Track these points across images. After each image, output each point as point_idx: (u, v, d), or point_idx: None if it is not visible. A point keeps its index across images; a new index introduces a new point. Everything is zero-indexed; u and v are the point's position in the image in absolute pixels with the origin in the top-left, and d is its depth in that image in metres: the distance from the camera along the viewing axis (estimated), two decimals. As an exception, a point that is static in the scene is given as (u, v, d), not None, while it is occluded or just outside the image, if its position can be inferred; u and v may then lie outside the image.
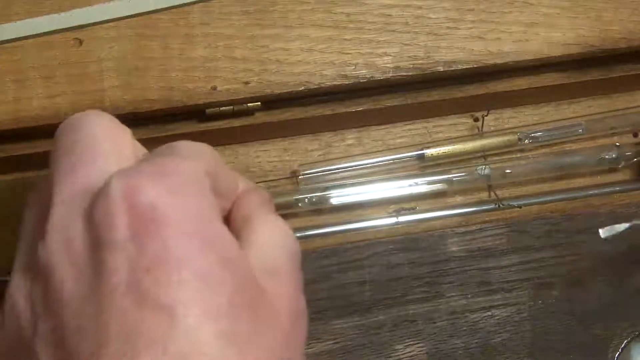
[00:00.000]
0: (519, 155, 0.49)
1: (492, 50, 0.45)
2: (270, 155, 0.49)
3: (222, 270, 0.25)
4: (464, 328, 0.45)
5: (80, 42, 0.44)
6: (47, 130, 0.39)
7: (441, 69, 0.45)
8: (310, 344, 0.44)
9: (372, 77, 0.45)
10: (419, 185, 0.47)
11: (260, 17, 0.45)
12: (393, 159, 0.47)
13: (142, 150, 0.30)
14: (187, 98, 0.44)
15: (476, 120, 0.49)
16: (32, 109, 0.43)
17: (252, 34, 0.45)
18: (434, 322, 0.45)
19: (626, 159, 0.48)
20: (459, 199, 0.49)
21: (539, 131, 0.48)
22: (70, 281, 0.24)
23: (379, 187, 0.47)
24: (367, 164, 0.47)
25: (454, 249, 0.45)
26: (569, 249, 0.46)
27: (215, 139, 0.47)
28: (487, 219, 0.46)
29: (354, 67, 0.45)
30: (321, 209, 0.47)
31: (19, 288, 0.25)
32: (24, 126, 0.43)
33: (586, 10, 0.46)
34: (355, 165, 0.47)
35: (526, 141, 0.48)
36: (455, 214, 0.47)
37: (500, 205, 0.47)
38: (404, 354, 0.44)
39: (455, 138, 0.48)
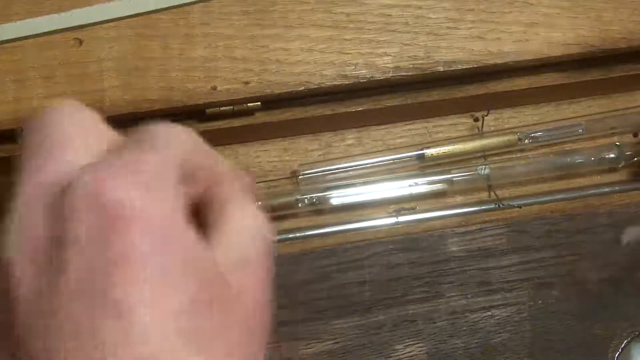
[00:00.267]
0: (519, 155, 0.49)
1: (492, 50, 0.45)
2: (270, 155, 0.49)
3: (185, 269, 0.25)
4: (464, 328, 0.45)
5: (80, 42, 0.44)
6: (47, 130, 0.39)
7: (441, 69, 0.45)
8: (310, 344, 0.44)
9: (372, 77, 0.45)
10: (419, 185, 0.47)
11: (260, 17, 0.45)
12: (393, 159, 0.47)
13: (113, 136, 0.29)
14: (187, 98, 0.44)
15: (476, 120, 0.49)
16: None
17: (252, 34, 0.45)
18: (434, 322, 0.45)
19: (626, 159, 0.48)
20: (459, 199, 0.49)
21: (539, 131, 0.48)
22: (29, 278, 0.24)
23: (379, 187, 0.47)
24: (367, 164, 0.47)
25: (454, 249, 0.45)
26: (569, 249, 0.46)
27: (215, 139, 0.47)
28: (487, 219, 0.46)
29: (354, 67, 0.45)
30: (321, 209, 0.47)
31: None
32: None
33: (586, 10, 0.46)
34: (355, 165, 0.47)
35: (526, 141, 0.48)
36: (455, 214, 0.47)
37: (500, 205, 0.47)
38: (404, 354, 0.44)
39: (455, 138, 0.48)
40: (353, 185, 0.47)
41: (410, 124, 0.49)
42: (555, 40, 0.46)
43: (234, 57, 0.44)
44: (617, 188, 0.48)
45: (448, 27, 0.45)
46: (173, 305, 0.24)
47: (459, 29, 0.46)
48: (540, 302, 0.45)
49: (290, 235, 0.46)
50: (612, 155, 0.48)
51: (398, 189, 0.47)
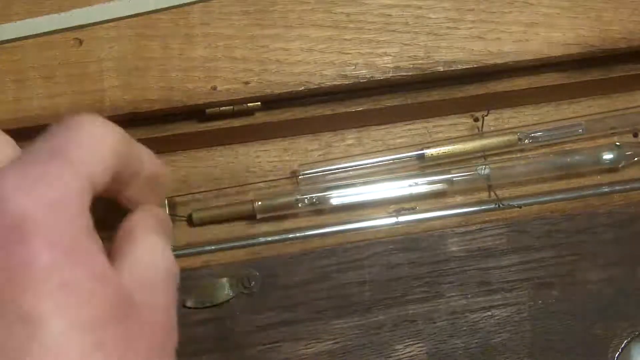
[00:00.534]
0: (519, 155, 0.49)
1: (492, 50, 0.45)
2: (270, 155, 0.49)
3: (91, 284, 0.24)
4: (464, 328, 0.45)
5: (80, 42, 0.44)
6: (47, 130, 0.39)
7: (441, 69, 0.45)
8: (310, 343, 0.44)
9: (372, 77, 0.45)
10: (419, 185, 0.47)
11: (260, 17, 0.45)
12: (393, 159, 0.47)
13: (13, 147, 0.29)
14: (187, 98, 0.44)
15: (476, 120, 0.49)
16: (32, 109, 0.43)
17: (252, 34, 0.45)
18: (434, 322, 0.45)
19: (626, 159, 0.48)
20: (459, 199, 0.49)
21: (539, 131, 0.48)
22: None
23: (379, 187, 0.47)
24: (367, 164, 0.47)
25: (454, 249, 0.45)
26: (569, 249, 0.46)
27: (215, 139, 0.47)
28: (487, 219, 0.46)
29: (354, 67, 0.45)
30: (321, 209, 0.48)
31: None
32: (24, 126, 0.43)
33: (586, 10, 0.46)
34: (355, 165, 0.47)
35: (526, 141, 0.48)
36: (455, 214, 0.47)
37: (500, 205, 0.47)
38: (404, 354, 0.44)
39: (455, 138, 0.48)
40: (353, 185, 0.47)
41: (410, 124, 0.49)
42: (555, 40, 0.46)
43: (234, 57, 0.44)
44: (617, 188, 0.48)
45: (448, 27, 0.46)
46: (82, 318, 0.24)
47: (459, 29, 0.46)
48: (540, 302, 0.45)
49: (290, 235, 0.46)
50: (612, 155, 0.48)
51: (398, 189, 0.47)
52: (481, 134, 0.48)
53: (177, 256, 0.45)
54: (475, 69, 0.46)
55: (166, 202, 0.46)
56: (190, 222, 0.47)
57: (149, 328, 0.27)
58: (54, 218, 0.24)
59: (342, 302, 0.44)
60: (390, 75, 0.45)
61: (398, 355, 0.44)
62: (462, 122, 0.50)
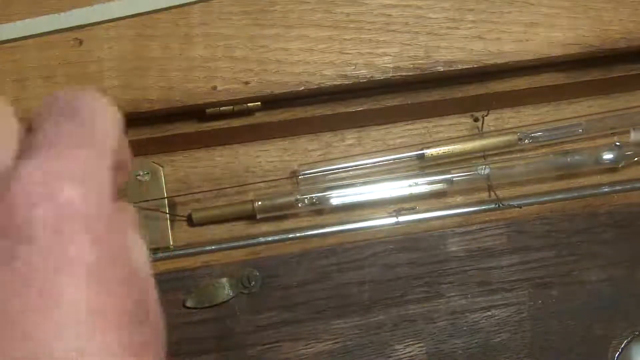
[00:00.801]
0: (519, 155, 0.49)
1: (492, 50, 0.45)
2: (270, 155, 0.49)
3: (122, 286, 0.25)
4: (464, 328, 0.45)
5: (80, 42, 0.44)
6: (47, 130, 0.39)
7: (441, 69, 0.45)
8: (310, 343, 0.44)
9: (372, 77, 0.45)
10: (419, 185, 0.47)
11: (260, 17, 0.45)
12: (393, 159, 0.47)
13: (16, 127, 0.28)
14: (187, 98, 0.44)
15: (476, 120, 0.49)
16: (32, 109, 0.43)
17: (252, 34, 0.45)
18: (434, 322, 0.45)
19: (626, 159, 0.48)
20: (459, 199, 0.49)
21: (539, 131, 0.48)
22: None
23: (379, 187, 0.47)
24: (367, 164, 0.47)
25: (454, 249, 0.45)
26: (568, 249, 0.46)
27: (215, 139, 0.47)
28: (487, 219, 0.46)
29: (354, 67, 0.45)
30: (321, 209, 0.48)
31: None
32: (24, 126, 0.43)
33: (586, 10, 0.46)
34: (355, 165, 0.47)
35: (526, 141, 0.48)
36: (455, 214, 0.47)
37: (500, 205, 0.47)
38: (404, 354, 0.44)
39: (455, 138, 0.48)
40: (353, 185, 0.47)
41: (410, 124, 0.49)
42: (555, 40, 0.46)
43: (234, 57, 0.44)
44: (617, 188, 0.48)
45: (448, 27, 0.45)
46: (114, 319, 0.24)
47: (459, 29, 0.46)
48: (540, 302, 0.45)
49: (290, 235, 0.46)
50: (612, 155, 0.48)
51: (398, 189, 0.47)
52: (481, 134, 0.48)
53: (177, 256, 0.45)
54: (475, 69, 0.46)
55: (166, 202, 0.46)
56: (190, 222, 0.47)
57: (157, 333, 0.27)
58: (96, 212, 0.24)
59: (342, 302, 0.44)
60: (390, 75, 0.45)
61: (398, 355, 0.44)
62: (462, 122, 0.50)
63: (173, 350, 0.43)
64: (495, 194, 0.48)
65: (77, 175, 0.24)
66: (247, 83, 0.44)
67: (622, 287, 0.46)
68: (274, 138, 0.49)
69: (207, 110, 0.45)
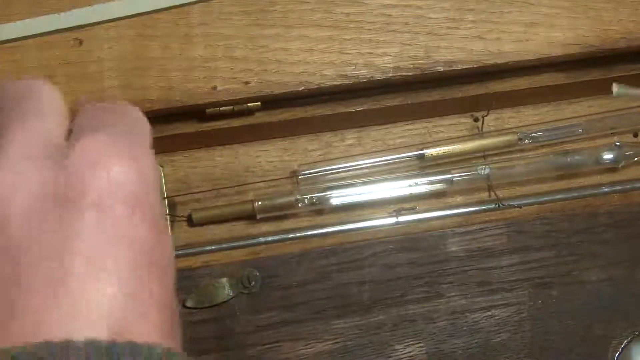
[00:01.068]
0: (519, 155, 0.49)
1: (492, 50, 0.45)
2: (270, 155, 0.49)
3: (168, 266, 0.26)
4: (464, 328, 0.45)
5: (80, 42, 0.44)
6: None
7: (441, 69, 0.45)
8: (310, 343, 0.44)
9: (372, 77, 0.45)
10: (419, 185, 0.47)
11: (260, 17, 0.45)
12: (393, 159, 0.47)
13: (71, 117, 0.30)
14: (187, 98, 0.44)
15: (476, 120, 0.49)
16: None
17: (252, 34, 0.45)
18: (434, 322, 0.45)
19: (626, 159, 0.48)
20: (459, 199, 0.49)
21: (539, 131, 0.48)
22: (19, 217, 0.24)
23: (379, 187, 0.47)
24: (367, 164, 0.47)
25: (454, 249, 0.45)
26: (568, 249, 0.46)
27: (215, 139, 0.47)
28: (487, 219, 0.46)
29: (354, 67, 0.45)
30: (321, 209, 0.47)
31: None
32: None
33: (586, 10, 0.46)
34: (355, 165, 0.47)
35: (526, 141, 0.48)
36: (455, 214, 0.47)
37: (500, 205, 0.47)
38: (404, 354, 0.44)
39: (455, 138, 0.48)
40: (353, 185, 0.47)
41: (410, 124, 0.49)
42: (555, 40, 0.46)
43: (234, 57, 0.44)
44: (617, 188, 0.48)
45: (448, 27, 0.45)
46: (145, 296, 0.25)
47: (459, 29, 0.46)
48: (540, 302, 0.45)
49: (290, 235, 0.46)
50: (612, 155, 0.48)
51: (398, 189, 0.47)
52: (481, 134, 0.48)
53: (177, 256, 0.45)
54: (475, 69, 0.46)
55: (166, 202, 0.46)
56: (190, 222, 0.47)
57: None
58: (148, 193, 0.26)
59: (342, 302, 0.44)
60: (390, 75, 0.45)
61: (398, 355, 0.44)
62: (462, 122, 0.50)
63: (173, 350, 0.43)
64: (495, 194, 0.48)
65: (129, 155, 0.26)
66: (247, 83, 0.44)
67: (622, 287, 0.46)
68: (274, 138, 0.49)
69: (207, 110, 0.45)
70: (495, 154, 0.48)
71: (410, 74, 0.45)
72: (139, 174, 0.26)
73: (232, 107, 0.45)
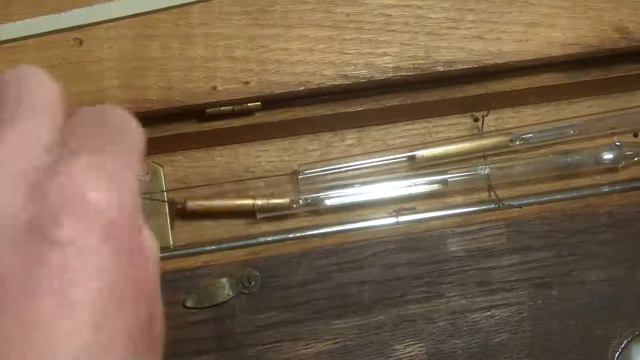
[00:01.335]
0: (518, 155, 0.49)
1: (492, 50, 0.45)
2: (270, 155, 0.49)
3: (138, 299, 0.25)
4: (464, 328, 0.45)
5: (80, 42, 0.44)
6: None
7: (441, 69, 0.45)
8: (310, 343, 0.44)
9: (372, 77, 0.45)
10: (419, 186, 0.47)
11: (260, 17, 0.45)
12: (385, 160, 0.47)
13: (68, 112, 0.28)
14: (187, 98, 0.44)
15: (476, 120, 0.49)
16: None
17: (252, 34, 0.45)
18: (434, 322, 0.45)
19: (626, 159, 0.48)
20: (459, 199, 0.49)
21: (531, 132, 0.48)
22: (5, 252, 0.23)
23: (378, 187, 0.47)
24: (361, 164, 0.47)
25: (454, 249, 0.45)
26: (569, 249, 0.46)
27: (215, 139, 0.47)
28: (487, 219, 0.46)
29: (354, 67, 0.45)
30: (320, 209, 0.47)
31: None
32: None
33: (586, 10, 0.46)
34: (355, 165, 0.47)
35: (517, 142, 0.48)
36: (455, 214, 0.47)
37: (500, 205, 0.47)
38: (404, 354, 0.44)
39: (446, 139, 0.48)
40: (353, 185, 0.47)
41: (410, 124, 0.49)
42: (555, 40, 0.46)
43: (234, 57, 0.44)
44: (617, 188, 0.48)
45: (448, 27, 0.45)
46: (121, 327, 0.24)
47: (459, 29, 0.46)
48: (540, 302, 0.45)
49: (290, 235, 0.46)
50: (612, 155, 0.48)
51: (398, 189, 0.47)
52: (471, 136, 0.48)
53: (177, 256, 0.45)
54: (475, 69, 0.46)
55: (166, 201, 0.46)
56: (184, 211, 0.46)
57: (159, 341, 0.28)
58: (124, 223, 0.25)
59: (342, 302, 0.44)
60: (390, 75, 0.45)
61: (398, 355, 0.44)
62: (462, 122, 0.50)
63: (173, 350, 0.43)
64: (495, 194, 0.48)
65: (109, 183, 0.25)
66: (247, 83, 0.44)
67: (622, 287, 0.46)
68: (274, 138, 0.49)
69: (207, 110, 0.45)
70: (494, 154, 0.48)
71: (410, 74, 0.45)
72: (119, 201, 0.25)
73: (232, 107, 0.45)
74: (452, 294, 0.45)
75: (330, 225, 0.47)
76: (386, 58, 0.45)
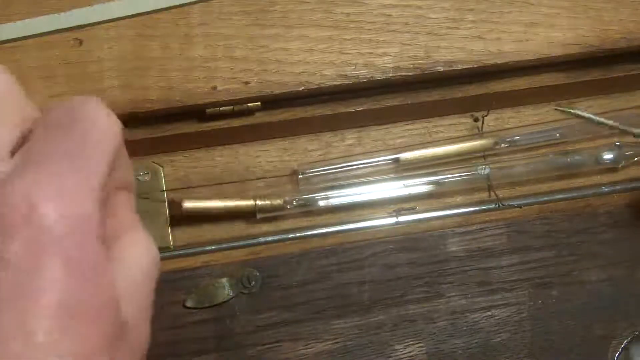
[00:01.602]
0: (518, 155, 0.49)
1: (492, 50, 0.45)
2: (270, 155, 0.49)
3: (95, 313, 0.24)
4: (464, 328, 0.45)
5: (80, 42, 0.44)
6: (47, 130, 0.39)
7: (441, 69, 0.45)
8: (310, 344, 0.44)
9: (372, 77, 0.45)
10: (419, 186, 0.47)
11: (260, 17, 0.45)
12: (371, 163, 0.47)
13: (33, 112, 0.27)
14: (187, 98, 0.44)
15: (476, 120, 0.49)
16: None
17: (252, 34, 0.45)
18: (434, 322, 0.45)
19: (626, 159, 0.48)
20: (459, 199, 0.49)
21: (516, 135, 0.48)
22: None
23: (378, 187, 0.47)
24: (366, 163, 0.47)
25: (454, 249, 0.45)
26: (569, 249, 0.46)
27: (215, 139, 0.47)
28: (487, 219, 0.46)
29: (354, 67, 0.45)
30: (321, 209, 0.47)
31: None
32: (24, 126, 0.43)
33: (586, 10, 0.46)
34: (355, 165, 0.47)
35: (502, 145, 0.48)
36: (455, 214, 0.47)
37: (500, 205, 0.47)
38: (404, 354, 0.44)
39: (426, 143, 0.48)
40: (353, 185, 0.47)
41: (410, 124, 0.49)
42: (555, 40, 0.46)
43: (234, 57, 0.44)
44: (617, 188, 0.48)
45: (448, 27, 0.46)
46: (78, 350, 0.24)
47: (459, 29, 0.46)
48: (540, 302, 0.45)
49: (290, 235, 0.46)
50: (612, 155, 0.48)
51: (398, 189, 0.47)
52: (453, 139, 0.48)
53: (177, 256, 0.45)
54: (475, 69, 0.46)
55: (166, 201, 0.46)
56: (180, 210, 0.46)
57: (134, 350, 0.27)
58: (75, 237, 0.24)
59: (342, 302, 0.44)
60: (390, 75, 0.45)
61: (398, 355, 0.44)
62: (462, 122, 0.50)
63: (173, 350, 0.43)
64: (495, 194, 0.48)
65: (59, 197, 0.24)
66: (247, 83, 0.44)
67: (622, 287, 0.46)
68: (274, 138, 0.49)
69: (207, 110, 0.45)
70: (478, 157, 0.48)
71: (410, 74, 0.45)
72: (71, 215, 0.24)
73: (232, 107, 0.45)
74: (452, 294, 0.45)
75: (330, 225, 0.47)
76: (386, 58, 0.45)
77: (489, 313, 0.45)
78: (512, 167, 0.48)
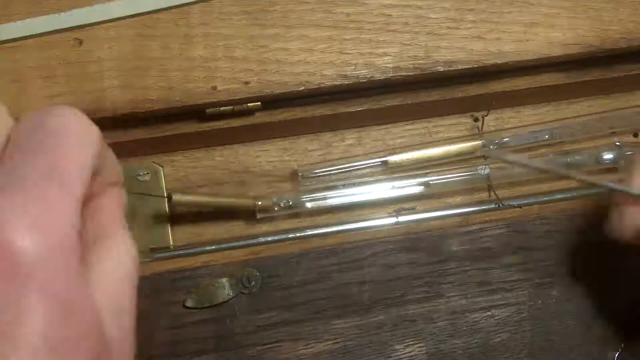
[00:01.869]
0: (484, 160, 0.49)
1: (492, 50, 0.45)
2: (270, 155, 0.49)
3: (76, 341, 0.24)
4: (464, 328, 0.45)
5: (80, 42, 0.44)
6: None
7: (441, 69, 0.45)
8: (310, 344, 0.44)
9: (372, 77, 0.45)
10: (418, 186, 0.47)
11: (260, 17, 0.45)
12: (361, 165, 0.47)
13: (8, 125, 0.26)
14: (187, 98, 0.44)
15: (476, 120, 0.49)
16: (32, 109, 0.43)
17: (252, 34, 0.45)
18: (434, 322, 0.45)
19: (626, 159, 0.48)
20: (459, 199, 0.49)
21: (506, 137, 0.48)
22: None
23: (378, 187, 0.47)
24: (366, 164, 0.47)
25: (454, 249, 0.45)
26: (569, 249, 0.46)
27: (215, 139, 0.47)
28: (487, 219, 0.46)
29: (354, 67, 0.45)
30: (321, 209, 0.47)
31: None
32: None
33: (586, 10, 0.46)
34: (355, 165, 0.47)
35: (491, 146, 0.48)
36: (455, 214, 0.47)
37: (500, 205, 0.47)
38: (404, 354, 0.44)
39: (415, 145, 0.48)
40: (353, 185, 0.47)
41: (410, 124, 0.49)
42: (555, 40, 0.46)
43: (234, 57, 0.44)
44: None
45: (448, 27, 0.45)
46: None
47: (459, 29, 0.46)
48: (540, 302, 0.45)
49: (290, 235, 0.46)
50: (611, 155, 0.48)
51: (398, 189, 0.47)
52: (439, 141, 0.48)
53: (177, 256, 0.45)
54: (475, 69, 0.46)
55: (166, 200, 0.46)
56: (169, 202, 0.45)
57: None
58: (54, 266, 0.23)
59: (342, 302, 0.44)
60: (390, 75, 0.45)
61: (398, 355, 0.44)
62: (462, 122, 0.50)
63: (173, 350, 0.43)
64: (495, 194, 0.48)
65: (35, 227, 0.23)
66: (247, 83, 0.44)
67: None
68: (274, 138, 0.49)
69: (207, 110, 0.45)
70: (479, 157, 0.48)
71: (410, 74, 0.45)
72: (43, 246, 0.23)
73: (232, 107, 0.45)
74: (452, 294, 0.45)
75: (330, 225, 0.47)
76: (386, 58, 0.45)
77: (489, 313, 0.45)
78: (512, 167, 0.48)
